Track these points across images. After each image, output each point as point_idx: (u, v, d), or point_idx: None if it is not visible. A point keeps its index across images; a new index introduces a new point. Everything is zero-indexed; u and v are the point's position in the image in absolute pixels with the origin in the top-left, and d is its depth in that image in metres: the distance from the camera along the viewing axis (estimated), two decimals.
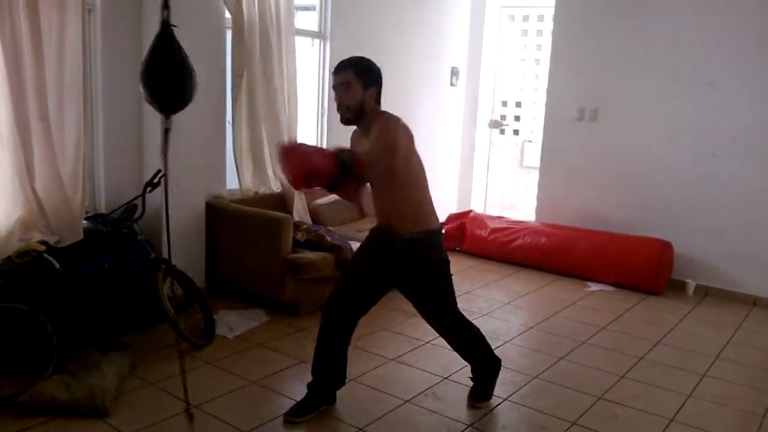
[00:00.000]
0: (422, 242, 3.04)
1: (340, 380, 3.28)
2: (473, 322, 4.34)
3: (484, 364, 3.41)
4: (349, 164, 2.65)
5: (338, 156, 2.64)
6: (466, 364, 3.64)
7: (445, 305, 3.22)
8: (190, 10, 4.35)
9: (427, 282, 3.12)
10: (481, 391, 3.41)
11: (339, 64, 3.00)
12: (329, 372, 3.23)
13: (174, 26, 2.62)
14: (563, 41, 6.21)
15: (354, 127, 3.15)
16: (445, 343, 4.16)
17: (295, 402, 3.20)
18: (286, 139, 5.04)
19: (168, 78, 2.62)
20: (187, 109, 4.43)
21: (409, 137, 2.95)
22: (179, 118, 4.36)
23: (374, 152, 2.79)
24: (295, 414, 3.13)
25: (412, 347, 4.10)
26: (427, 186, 3.09)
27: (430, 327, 4.34)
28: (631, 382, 3.77)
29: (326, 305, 3.18)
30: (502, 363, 3.90)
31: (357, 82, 2.93)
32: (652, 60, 5.69)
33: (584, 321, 4.79)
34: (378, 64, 6.35)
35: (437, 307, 3.23)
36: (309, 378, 3.64)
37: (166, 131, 2.80)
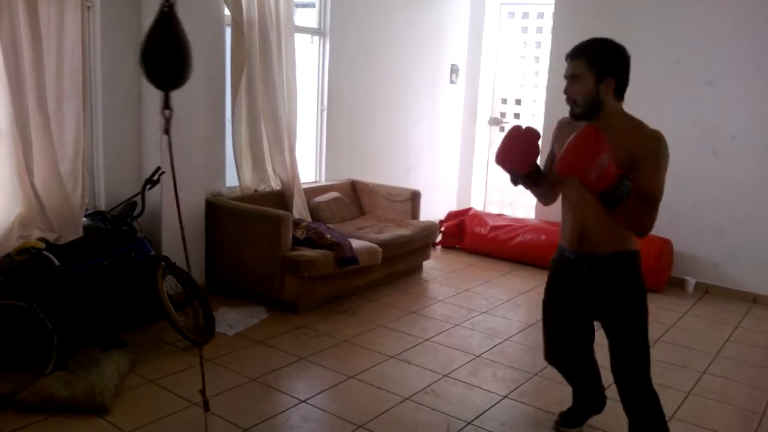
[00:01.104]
0: (615, 263, 2.61)
1: (598, 391, 3.11)
2: (473, 320, 4.37)
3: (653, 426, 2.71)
4: (617, 199, 2.23)
5: (621, 181, 2.22)
6: (466, 361, 3.65)
7: (635, 349, 2.67)
8: (189, 8, 4.33)
9: (618, 312, 2.65)
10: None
11: (573, 48, 2.51)
12: (590, 392, 3.11)
13: (170, 5, 2.60)
14: (563, 38, 6.19)
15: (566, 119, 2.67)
16: (446, 340, 4.18)
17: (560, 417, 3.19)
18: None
19: (165, 51, 2.60)
20: (187, 105, 4.46)
21: (667, 156, 2.55)
22: (179, 116, 4.38)
23: (658, 190, 2.43)
24: (565, 423, 3.14)
25: (411, 344, 4.10)
26: None
27: (428, 326, 4.34)
28: None
29: (546, 355, 3.02)
30: (502, 360, 3.90)
31: (588, 73, 2.44)
32: (652, 58, 5.68)
33: None
34: (377, 61, 6.34)
35: (624, 347, 2.69)
36: (308, 375, 3.66)
37: (167, 114, 2.78)
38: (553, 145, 2.77)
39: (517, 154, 2.56)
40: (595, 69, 2.43)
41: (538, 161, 2.64)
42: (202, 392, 2.73)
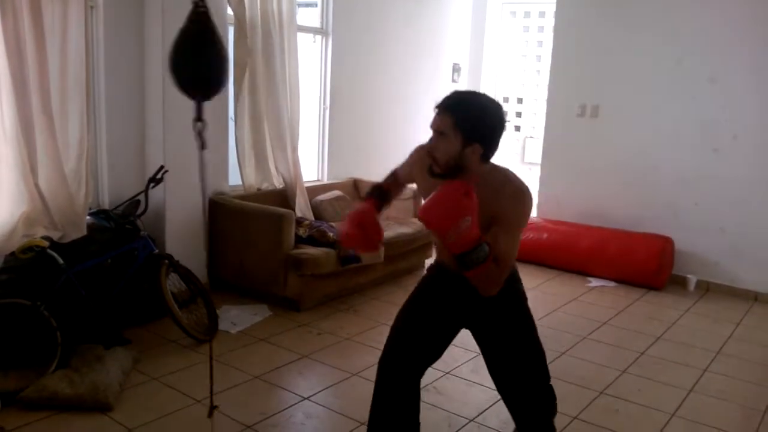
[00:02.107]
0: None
1: None
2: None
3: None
4: (471, 264, 2.08)
5: (480, 245, 2.07)
6: (468, 358, 3.66)
7: (525, 357, 2.49)
8: (191, 6, 4.35)
9: (504, 320, 2.48)
10: None
11: (441, 101, 2.25)
12: None
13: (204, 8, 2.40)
14: (564, 37, 6.21)
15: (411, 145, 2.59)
16: None
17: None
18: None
19: (201, 57, 2.38)
20: (189, 105, 4.46)
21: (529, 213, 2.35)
22: (181, 116, 4.40)
23: (511, 253, 2.24)
24: None
25: None
26: None
27: None
28: (632, 377, 3.78)
29: (383, 358, 2.57)
30: None
31: (455, 134, 2.17)
32: (654, 56, 5.68)
33: (586, 316, 4.80)
34: (379, 60, 6.34)
35: (514, 359, 2.48)
36: (311, 372, 3.67)
37: (198, 124, 2.47)
38: (406, 166, 2.61)
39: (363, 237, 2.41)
40: (462, 132, 2.15)
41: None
42: (211, 402, 2.70)
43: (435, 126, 2.22)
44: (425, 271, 2.66)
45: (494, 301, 2.32)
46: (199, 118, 2.42)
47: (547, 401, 2.53)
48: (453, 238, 2.04)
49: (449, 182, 2.11)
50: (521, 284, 2.55)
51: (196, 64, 2.36)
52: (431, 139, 2.24)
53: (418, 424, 2.60)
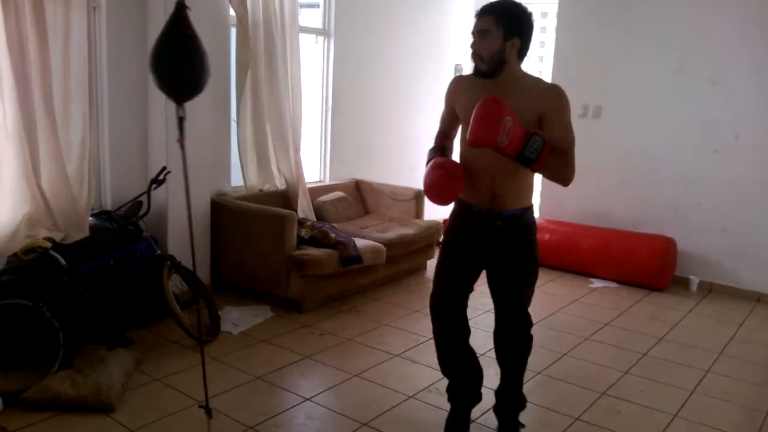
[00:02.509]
0: (522, 220, 2.76)
1: (479, 374, 3.01)
2: (476, 318, 4.36)
3: (519, 394, 3.04)
4: (531, 157, 2.36)
5: (531, 137, 2.35)
6: None
7: (525, 294, 2.92)
8: (194, 8, 4.35)
9: (519, 264, 2.82)
10: (514, 426, 3.04)
11: (483, 6, 2.58)
12: (462, 366, 2.97)
13: (188, 8, 2.51)
14: (566, 38, 6.20)
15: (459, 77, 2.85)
16: None
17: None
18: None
19: (179, 62, 2.48)
20: (192, 105, 4.47)
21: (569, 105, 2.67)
22: (187, 115, 4.41)
23: (570, 136, 2.55)
24: (452, 426, 2.97)
25: (415, 343, 4.12)
26: None
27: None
28: (634, 378, 3.78)
29: (433, 301, 2.93)
30: None
31: (497, 30, 2.50)
32: (656, 57, 5.68)
33: (588, 317, 4.80)
34: (381, 61, 6.37)
35: (521, 292, 2.89)
36: (312, 373, 3.67)
37: (180, 120, 2.61)
38: (447, 104, 2.88)
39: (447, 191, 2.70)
40: (503, 27, 2.50)
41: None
42: (206, 403, 2.74)
43: (478, 27, 2.54)
44: (450, 219, 2.93)
45: (515, 239, 2.74)
46: (180, 119, 2.62)
47: (528, 326, 2.98)
48: (505, 141, 2.31)
49: (481, 102, 2.37)
50: (536, 235, 2.87)
51: (170, 68, 2.48)
52: (474, 42, 2.55)
53: (472, 351, 3.01)
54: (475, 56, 2.57)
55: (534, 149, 2.37)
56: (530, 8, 2.59)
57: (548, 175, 2.57)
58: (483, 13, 2.55)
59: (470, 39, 2.59)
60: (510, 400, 3.04)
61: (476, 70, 2.59)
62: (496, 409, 3.08)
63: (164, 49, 2.45)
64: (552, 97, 2.60)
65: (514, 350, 2.99)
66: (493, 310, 3.02)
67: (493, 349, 3.06)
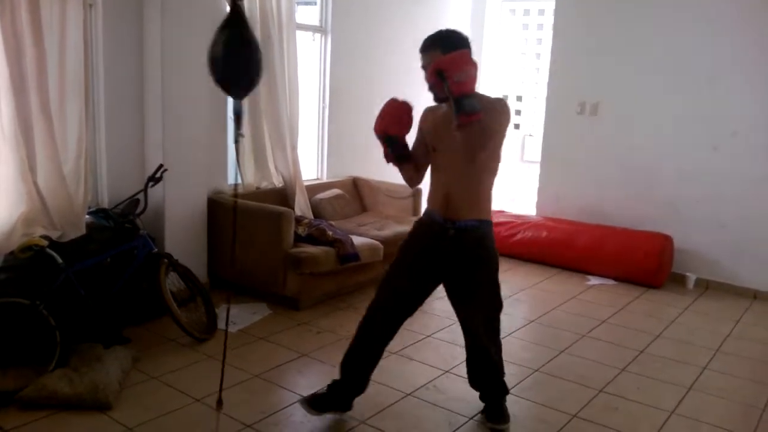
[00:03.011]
0: (476, 231, 2.88)
1: (362, 387, 3.13)
2: None
3: (498, 383, 3.18)
4: (466, 107, 2.54)
5: (472, 95, 2.56)
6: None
7: (492, 305, 3.02)
8: (189, 4, 4.36)
9: (478, 275, 2.93)
10: (498, 412, 3.16)
11: (424, 41, 2.83)
12: (356, 376, 3.09)
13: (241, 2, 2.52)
14: (564, 35, 6.20)
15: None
16: (447, 336, 4.19)
17: (309, 395, 3.11)
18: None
19: (243, 58, 2.51)
20: (188, 104, 4.48)
21: (509, 122, 2.88)
22: (180, 115, 4.41)
23: (491, 125, 2.70)
24: (313, 406, 3.04)
25: (413, 341, 4.12)
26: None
27: (429, 322, 4.35)
28: (631, 375, 3.78)
29: (373, 306, 3.03)
30: (503, 356, 3.92)
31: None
32: (653, 54, 5.68)
33: (585, 314, 4.80)
34: (378, 58, 6.39)
35: (483, 306, 3.00)
36: (310, 371, 3.66)
37: (237, 116, 2.64)
38: (420, 130, 3.06)
39: (397, 122, 2.93)
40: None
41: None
42: (219, 398, 2.74)
43: (427, 60, 2.78)
44: (412, 228, 3.07)
45: (469, 250, 2.87)
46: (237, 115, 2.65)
47: (496, 339, 3.11)
48: (462, 78, 2.51)
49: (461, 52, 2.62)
50: (494, 257, 3.00)
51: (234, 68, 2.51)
52: (426, 75, 2.78)
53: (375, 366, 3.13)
54: (432, 88, 2.82)
55: (472, 104, 2.55)
56: (465, 33, 2.86)
57: (467, 139, 2.67)
58: (428, 48, 2.80)
59: (422, 73, 2.83)
60: (493, 394, 3.19)
61: (437, 98, 2.87)
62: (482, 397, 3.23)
63: (232, 47, 2.48)
64: (494, 102, 2.80)
65: (485, 362, 3.12)
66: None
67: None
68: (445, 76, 2.54)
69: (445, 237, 2.88)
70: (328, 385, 3.12)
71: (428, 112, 3.05)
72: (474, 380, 3.21)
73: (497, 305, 3.03)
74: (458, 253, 2.88)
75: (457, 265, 2.91)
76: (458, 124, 2.58)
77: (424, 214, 3.04)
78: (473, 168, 2.81)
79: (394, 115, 2.94)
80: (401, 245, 3.08)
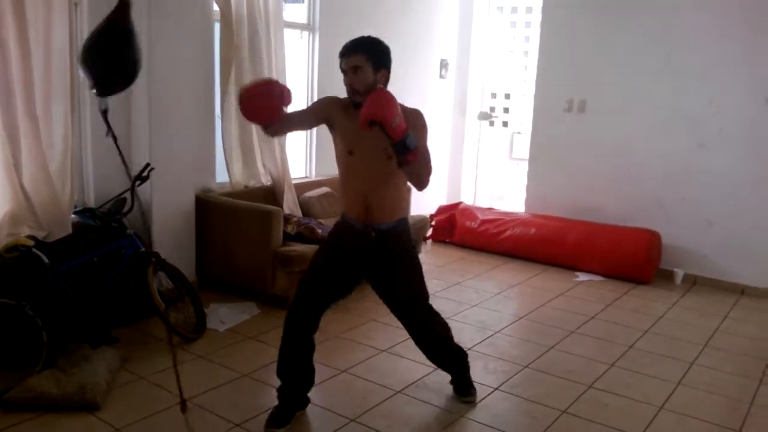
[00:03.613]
0: (396, 230, 2.98)
1: (310, 382, 3.15)
2: (463, 313, 4.38)
3: (455, 359, 3.33)
4: (410, 147, 2.61)
5: (409, 134, 2.62)
6: None
7: (420, 293, 3.14)
8: (178, 3, 4.33)
9: (402, 270, 3.05)
10: (463, 386, 3.36)
11: (348, 45, 2.88)
12: (298, 374, 3.08)
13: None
14: (551, 33, 6.22)
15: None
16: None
17: (267, 420, 3.02)
18: None
19: (118, 56, 2.53)
20: (175, 102, 4.44)
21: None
22: (167, 114, 4.38)
23: (428, 152, 2.81)
24: (275, 424, 2.97)
25: (403, 338, 4.10)
26: None
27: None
28: (620, 371, 3.80)
29: (295, 305, 3.02)
30: (492, 352, 3.94)
31: (368, 65, 2.82)
32: (641, 51, 5.71)
33: (573, 311, 4.82)
34: None
35: (412, 296, 3.12)
36: None
37: (105, 113, 2.77)
38: (315, 113, 3.07)
39: (270, 108, 2.86)
40: (372, 62, 2.82)
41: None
42: (180, 395, 2.74)
43: (351, 64, 2.82)
44: (332, 232, 3.13)
45: (391, 249, 2.98)
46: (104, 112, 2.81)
47: (437, 320, 3.22)
48: (397, 123, 2.56)
49: (380, 90, 2.68)
50: (411, 241, 3.14)
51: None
52: (347, 78, 2.85)
53: (312, 359, 3.13)
54: (352, 90, 2.84)
55: (412, 142, 2.61)
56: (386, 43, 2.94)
57: (414, 171, 2.77)
58: (353, 52, 2.84)
59: (345, 77, 2.87)
60: (456, 370, 3.37)
61: (355, 102, 2.84)
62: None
63: (103, 42, 2.51)
64: (416, 119, 2.85)
65: (434, 344, 3.26)
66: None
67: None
68: (383, 126, 2.56)
69: (368, 240, 2.95)
70: (278, 396, 3.07)
71: (339, 106, 2.99)
72: (434, 361, 3.36)
73: (425, 291, 3.14)
74: (381, 252, 2.98)
75: (380, 263, 3.01)
76: (404, 162, 2.63)
77: (342, 219, 3.05)
78: (392, 172, 2.85)
79: (263, 107, 2.86)
80: (321, 247, 3.14)
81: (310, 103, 2.96)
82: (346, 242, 3.01)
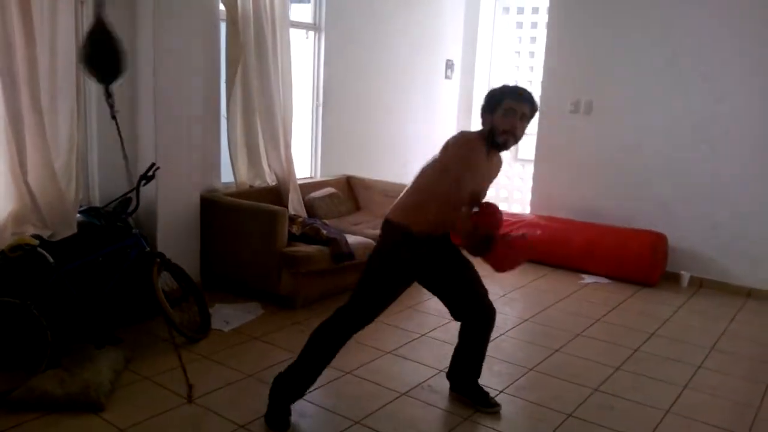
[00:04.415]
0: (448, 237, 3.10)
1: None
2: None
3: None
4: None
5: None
6: None
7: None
8: (184, 2, 4.32)
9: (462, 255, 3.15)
10: (486, 394, 3.31)
11: (524, 92, 2.89)
12: (309, 385, 3.11)
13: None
14: (558, 33, 6.20)
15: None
16: (442, 336, 4.18)
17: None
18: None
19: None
20: (181, 102, 4.44)
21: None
22: (173, 113, 4.37)
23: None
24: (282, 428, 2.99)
25: (408, 340, 4.10)
26: None
27: (424, 321, 4.34)
28: (626, 374, 3.78)
29: (358, 322, 3.06)
30: (497, 355, 3.92)
31: (528, 119, 2.89)
32: (647, 52, 5.68)
33: (579, 313, 4.80)
34: (372, 56, 6.42)
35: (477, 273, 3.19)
36: None
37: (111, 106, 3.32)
38: (477, 167, 2.94)
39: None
40: (530, 119, 2.91)
41: None
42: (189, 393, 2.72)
43: (523, 111, 2.84)
44: (396, 249, 3.02)
45: (448, 247, 3.10)
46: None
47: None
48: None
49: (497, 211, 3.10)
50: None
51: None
52: (514, 122, 2.83)
53: None
54: (511, 135, 2.84)
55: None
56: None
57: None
58: (527, 101, 2.84)
59: (495, 111, 2.84)
60: (477, 373, 3.35)
61: (506, 145, 2.88)
62: (468, 389, 3.34)
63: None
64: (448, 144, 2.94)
65: (486, 344, 3.34)
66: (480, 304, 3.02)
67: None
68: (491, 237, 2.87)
69: (432, 247, 3.03)
70: (281, 401, 3.04)
71: (482, 148, 2.92)
72: (468, 367, 3.30)
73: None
74: (441, 252, 3.10)
75: (448, 264, 3.13)
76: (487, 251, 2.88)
77: (414, 235, 2.97)
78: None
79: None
80: (389, 268, 3.06)
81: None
82: (411, 258, 2.99)
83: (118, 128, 3.54)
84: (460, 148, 2.87)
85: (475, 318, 3.22)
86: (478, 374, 3.33)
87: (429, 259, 3.03)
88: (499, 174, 3.19)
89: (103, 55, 3.31)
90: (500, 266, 2.97)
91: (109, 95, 3.39)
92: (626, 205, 5.90)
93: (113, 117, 3.47)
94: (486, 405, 3.25)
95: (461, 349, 3.32)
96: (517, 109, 2.81)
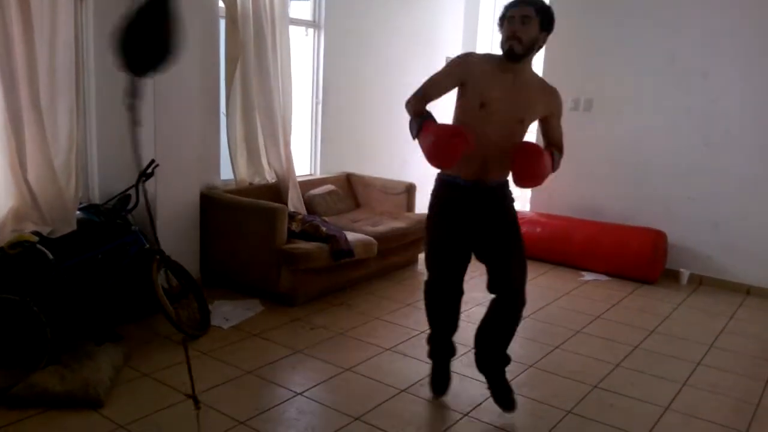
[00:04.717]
0: (505, 189, 3.08)
1: (455, 329, 3.36)
2: (468, 312, 4.37)
3: (506, 356, 3.26)
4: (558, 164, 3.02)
5: (555, 158, 3.01)
6: (462, 353, 3.64)
7: (523, 258, 3.16)
8: (183, 0, 4.31)
9: (511, 229, 3.09)
10: (508, 391, 3.19)
11: None
12: (451, 334, 3.31)
13: None
14: (558, 31, 6.12)
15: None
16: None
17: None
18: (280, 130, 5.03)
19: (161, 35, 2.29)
20: (180, 99, 4.43)
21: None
22: (172, 110, 4.37)
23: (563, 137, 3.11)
24: (440, 391, 3.28)
25: (407, 336, 4.10)
26: None
27: (424, 318, 4.34)
28: (626, 371, 3.78)
29: (434, 285, 3.19)
30: None
31: (536, 20, 2.80)
32: (647, 50, 5.68)
33: (579, 310, 4.80)
34: (372, 54, 6.40)
35: (519, 252, 3.11)
36: (304, 367, 3.65)
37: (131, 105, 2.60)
38: (451, 76, 3.02)
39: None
40: (540, 20, 2.81)
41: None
42: (193, 394, 2.72)
43: (522, 12, 2.78)
44: (436, 200, 3.11)
45: (503, 206, 3.06)
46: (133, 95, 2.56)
47: (523, 306, 3.20)
48: (546, 174, 2.90)
49: (530, 150, 2.89)
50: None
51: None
52: (512, 26, 2.79)
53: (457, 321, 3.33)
54: (514, 38, 2.78)
55: (557, 164, 3.05)
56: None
57: (553, 170, 3.02)
58: (525, 3, 2.80)
59: (501, 25, 2.86)
60: (498, 361, 3.24)
61: (510, 52, 2.81)
62: (483, 367, 3.26)
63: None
64: (558, 100, 3.03)
65: (508, 330, 3.20)
66: (485, 304, 3.02)
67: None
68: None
69: (480, 196, 2.99)
70: (433, 362, 3.33)
71: (476, 61, 2.96)
72: (483, 347, 3.23)
73: (524, 257, 3.17)
74: (492, 209, 3.02)
75: (491, 221, 3.04)
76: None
77: (445, 180, 3.06)
78: (517, 136, 2.94)
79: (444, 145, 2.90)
80: (432, 220, 3.13)
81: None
82: (454, 206, 3.02)
83: (134, 139, 3.26)
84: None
85: (496, 298, 3.17)
86: (496, 361, 3.21)
87: (467, 209, 3.00)
88: None
89: (149, 39, 2.39)
90: (427, 155, 2.89)
91: (135, 96, 2.61)
92: (626, 203, 5.90)
93: (136, 123, 2.94)
94: (499, 401, 3.17)
95: (480, 326, 3.26)
96: (515, 15, 2.81)
